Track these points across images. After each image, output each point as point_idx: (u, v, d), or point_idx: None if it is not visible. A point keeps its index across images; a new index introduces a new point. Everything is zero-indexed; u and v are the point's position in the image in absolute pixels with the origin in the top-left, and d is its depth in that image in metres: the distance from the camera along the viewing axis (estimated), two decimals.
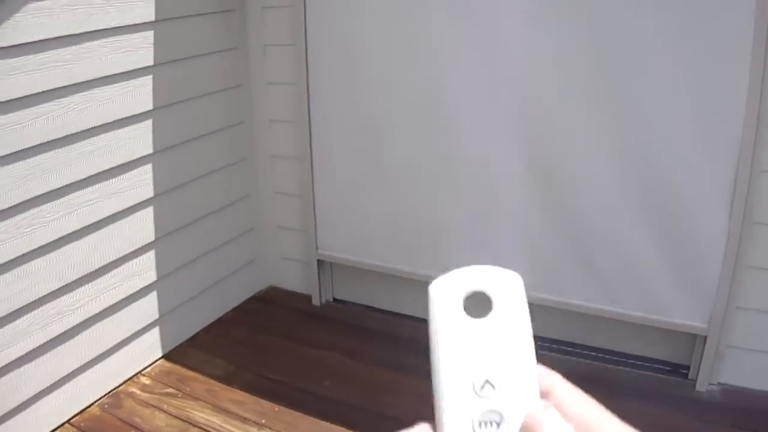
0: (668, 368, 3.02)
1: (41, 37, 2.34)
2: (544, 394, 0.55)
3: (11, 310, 2.42)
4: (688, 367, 2.97)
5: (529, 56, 2.75)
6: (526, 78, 2.79)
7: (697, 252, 2.72)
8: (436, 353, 0.55)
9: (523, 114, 2.84)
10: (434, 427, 0.54)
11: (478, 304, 0.56)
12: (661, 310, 2.83)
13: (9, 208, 2.36)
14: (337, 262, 3.50)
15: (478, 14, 2.79)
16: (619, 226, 2.81)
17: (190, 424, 2.72)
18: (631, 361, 3.06)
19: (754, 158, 2.52)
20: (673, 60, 2.53)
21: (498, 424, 0.52)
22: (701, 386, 2.85)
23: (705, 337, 2.80)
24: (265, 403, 2.81)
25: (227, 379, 2.95)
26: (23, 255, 2.42)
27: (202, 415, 2.75)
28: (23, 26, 2.28)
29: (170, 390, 2.89)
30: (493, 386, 0.53)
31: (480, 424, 0.52)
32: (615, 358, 3.09)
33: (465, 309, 0.55)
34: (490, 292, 0.56)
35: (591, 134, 2.75)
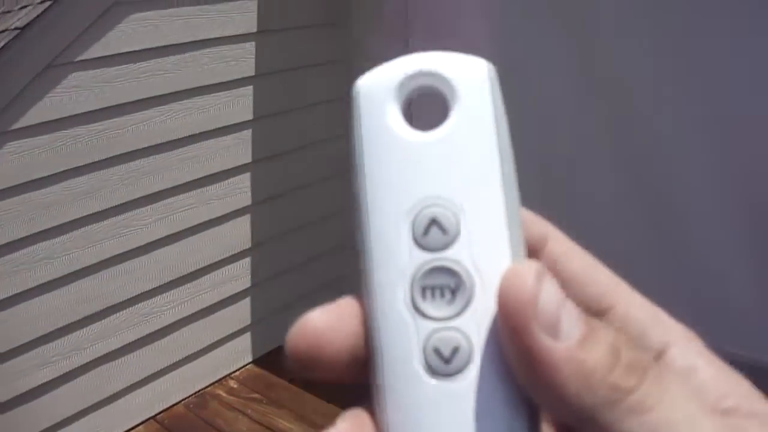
0: None
1: (144, 47, 2.44)
2: (532, 251, 0.33)
3: (107, 306, 2.53)
4: None
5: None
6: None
7: None
8: (359, 182, 0.35)
9: (628, 138, 2.71)
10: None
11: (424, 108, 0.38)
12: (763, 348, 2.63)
13: (108, 209, 2.47)
14: None
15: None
16: (724, 261, 2.63)
17: (272, 430, 2.75)
18: None
19: None
20: None
21: (453, 293, 0.30)
22: None
23: None
24: None
25: (313, 389, 2.97)
26: (120, 254, 2.53)
27: (284, 422, 2.78)
28: (127, 35, 2.38)
29: (256, 395, 2.94)
30: (443, 230, 0.31)
31: (424, 293, 0.31)
32: None
33: (406, 116, 0.34)
34: (444, 89, 0.33)
35: (702, 164, 2.59)
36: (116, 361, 2.61)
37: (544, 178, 2.76)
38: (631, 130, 2.66)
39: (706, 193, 2.58)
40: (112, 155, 2.44)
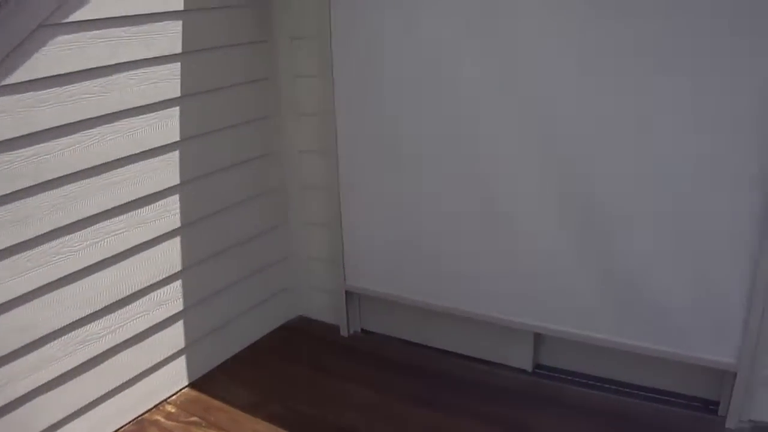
0: (697, 404, 2.94)
1: (70, 70, 2.41)
2: None
3: (39, 336, 2.46)
4: (717, 403, 2.89)
5: (563, 93, 2.75)
6: (559, 115, 2.78)
7: (727, 288, 2.67)
8: None
9: (555, 149, 2.82)
10: None
11: None
12: (691, 345, 2.77)
13: (38, 236, 2.41)
14: (364, 294, 3.50)
15: (510, 54, 2.80)
16: (648, 261, 2.77)
17: None
18: (660, 397, 3.00)
19: None
20: (705, 125, 2.54)
21: None
22: (731, 423, 2.78)
23: (735, 373, 2.73)
24: None
25: (252, 410, 2.96)
26: (51, 283, 2.47)
27: None
28: (52, 59, 2.34)
29: (194, 419, 2.90)
30: None
31: None
32: (643, 394, 3.03)
33: None
34: None
35: (625, 175, 2.72)
36: (52, 392, 2.54)
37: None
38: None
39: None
40: (41, 181, 2.38)
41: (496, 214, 3.00)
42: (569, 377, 3.18)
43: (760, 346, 2.66)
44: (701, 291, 2.70)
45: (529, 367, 3.25)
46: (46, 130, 2.37)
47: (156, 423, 2.88)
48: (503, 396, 3.09)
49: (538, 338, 3.22)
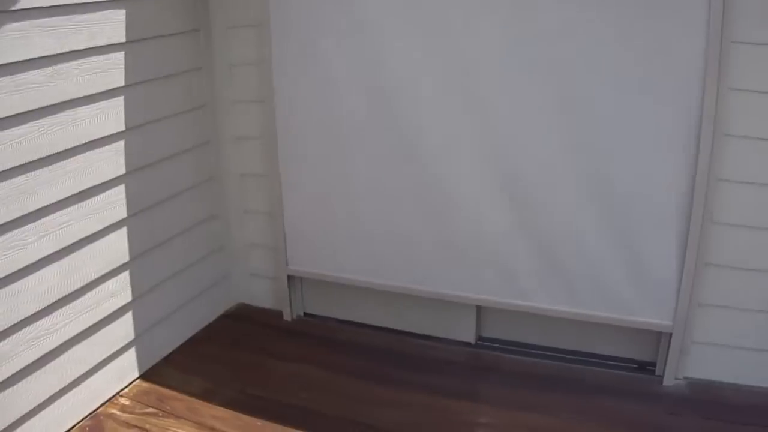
0: (635, 366, 3.13)
1: (17, 59, 2.34)
2: None
3: None
4: (654, 364, 3.08)
5: (495, 77, 2.88)
6: (490, 95, 2.90)
7: (659, 253, 2.85)
8: None
9: (486, 128, 2.94)
10: None
11: None
12: (627, 309, 2.95)
13: None
14: (307, 276, 3.54)
15: (445, 39, 2.89)
16: (581, 229, 2.92)
17: None
18: (599, 361, 3.17)
19: (711, 166, 2.68)
20: (633, 89, 2.70)
21: None
22: (668, 381, 2.97)
23: (670, 335, 2.92)
24: (247, 418, 2.82)
25: (206, 396, 2.96)
26: (3, 278, 2.41)
27: None
28: (1, 47, 2.28)
29: (150, 410, 2.88)
30: None
31: None
32: (582, 359, 3.20)
33: None
34: None
35: (553, 142, 2.86)
36: (5, 392, 2.46)
37: None
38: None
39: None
40: None
41: (432, 193, 3.10)
42: (511, 347, 3.32)
43: (692, 306, 2.86)
44: (634, 257, 2.87)
45: (472, 340, 3.37)
46: None
47: (112, 416, 2.84)
48: (448, 368, 3.21)
49: (480, 311, 3.34)
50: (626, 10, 2.61)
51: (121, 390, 3.00)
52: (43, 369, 2.61)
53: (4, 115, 2.34)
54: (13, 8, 2.30)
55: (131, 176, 2.93)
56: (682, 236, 2.79)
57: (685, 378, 2.98)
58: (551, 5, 2.71)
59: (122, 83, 2.82)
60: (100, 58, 2.70)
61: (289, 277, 3.55)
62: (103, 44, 2.69)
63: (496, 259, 3.09)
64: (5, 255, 2.41)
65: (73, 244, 2.68)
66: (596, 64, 2.71)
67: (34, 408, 2.58)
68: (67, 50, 2.54)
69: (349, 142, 3.19)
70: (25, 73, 2.39)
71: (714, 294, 2.87)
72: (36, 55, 2.41)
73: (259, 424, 2.79)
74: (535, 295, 3.07)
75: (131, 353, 3.05)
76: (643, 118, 2.71)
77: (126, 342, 3.01)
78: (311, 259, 3.47)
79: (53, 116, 2.52)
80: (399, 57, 2.98)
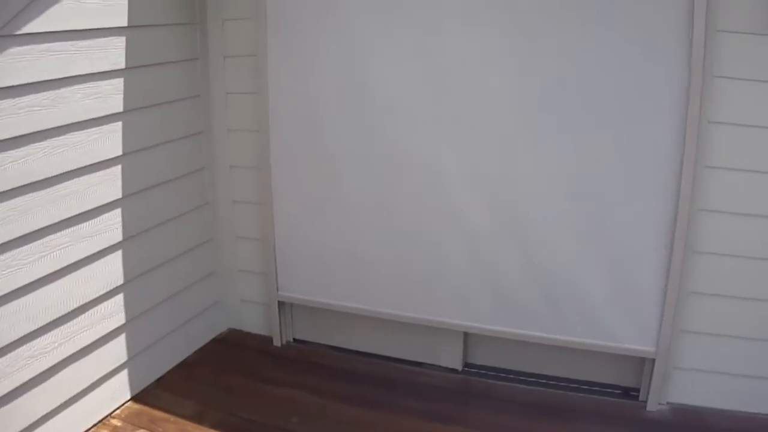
0: (619, 392, 3.19)
1: (21, 82, 2.41)
2: None
3: None
4: (638, 390, 3.14)
5: (483, 94, 2.96)
6: (481, 116, 2.99)
7: (643, 281, 2.92)
8: None
9: (477, 153, 3.02)
10: None
11: None
12: (612, 337, 3.01)
13: None
14: (297, 303, 3.59)
15: (435, 54, 2.98)
16: (568, 259, 2.99)
17: None
18: (584, 387, 3.23)
19: (693, 198, 2.77)
20: (612, 124, 2.81)
21: None
22: (651, 406, 3.03)
23: (653, 360, 2.98)
24: None
25: (197, 419, 2.99)
26: (2, 297, 2.45)
27: None
28: (3, 70, 2.35)
29: (142, 430, 2.91)
30: None
31: None
32: (568, 385, 3.25)
33: None
34: None
35: (542, 177, 2.96)
36: (2, 408, 2.50)
37: None
38: None
39: None
40: None
41: (422, 221, 3.18)
42: (498, 374, 3.37)
43: (675, 334, 2.93)
44: (619, 286, 2.95)
45: (459, 366, 3.42)
46: None
47: None
48: (435, 394, 3.25)
49: (467, 338, 3.40)
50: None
51: (113, 411, 3.02)
52: (38, 387, 2.64)
53: (7, 137, 2.40)
54: (16, 32, 2.37)
55: (128, 200, 2.98)
56: (665, 265, 2.86)
57: (669, 403, 3.04)
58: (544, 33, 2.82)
59: (121, 109, 2.89)
60: (101, 83, 2.77)
61: (279, 303, 3.59)
62: (104, 70, 2.77)
63: (485, 286, 3.15)
64: (4, 274, 2.45)
65: (70, 265, 2.73)
66: (583, 96, 2.81)
67: (28, 426, 2.61)
68: (69, 75, 2.61)
69: (342, 173, 3.26)
70: (28, 96, 2.46)
71: (697, 321, 2.94)
72: (38, 79, 2.48)
73: None
74: (523, 323, 3.13)
75: (124, 375, 3.08)
76: (627, 152, 2.81)
77: (119, 363, 3.04)
78: (301, 285, 3.52)
79: (54, 139, 2.58)
80: (394, 84, 3.07)
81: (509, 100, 2.91)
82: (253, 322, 3.76)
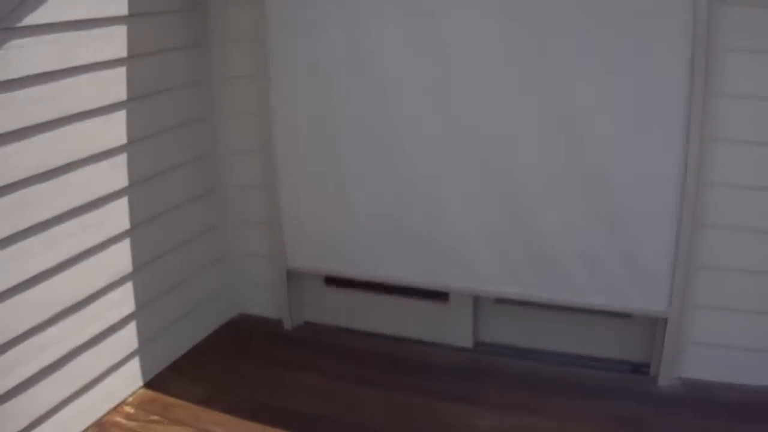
0: (629, 368, 3.19)
1: (24, 74, 2.41)
2: None
3: (2, 342, 2.45)
4: (648, 366, 3.14)
5: (485, 84, 2.95)
6: (481, 103, 2.98)
7: (652, 239, 2.90)
8: None
9: (477, 128, 3.02)
10: None
11: None
12: (623, 298, 3.00)
13: None
14: (306, 271, 3.59)
15: (440, 51, 2.98)
16: (577, 219, 2.97)
17: None
18: (594, 363, 3.23)
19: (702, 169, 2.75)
20: (618, 87, 2.78)
21: None
22: (663, 381, 3.03)
23: (664, 335, 2.98)
24: (250, 424, 2.87)
25: (209, 404, 3.01)
26: (10, 288, 2.46)
27: None
28: (6, 62, 2.35)
29: (155, 417, 2.93)
30: None
31: None
32: (578, 361, 3.25)
33: None
34: None
35: (548, 140, 2.93)
36: (15, 399, 2.51)
37: None
38: None
39: None
40: None
41: (428, 190, 3.16)
42: (509, 351, 3.38)
43: (685, 308, 2.92)
44: (629, 243, 2.92)
45: (469, 345, 3.43)
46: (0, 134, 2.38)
47: (117, 424, 2.89)
48: (446, 373, 3.27)
49: (477, 315, 3.41)
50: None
51: (126, 398, 3.05)
52: (50, 377, 2.66)
53: (10, 129, 2.40)
54: (17, 25, 2.37)
55: (133, 189, 2.99)
56: (677, 221, 2.84)
57: (679, 378, 3.04)
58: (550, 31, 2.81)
59: (124, 97, 2.88)
60: (103, 73, 2.77)
61: (289, 284, 3.60)
62: (105, 60, 2.77)
63: (493, 250, 3.14)
64: (12, 266, 2.47)
65: (78, 255, 2.74)
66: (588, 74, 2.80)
67: (41, 415, 2.64)
68: (71, 66, 2.61)
69: (346, 150, 3.26)
70: (30, 88, 2.45)
71: (708, 295, 2.93)
72: (40, 71, 2.48)
73: (261, 429, 2.85)
74: (532, 285, 3.11)
75: (135, 362, 3.10)
76: (636, 115, 2.78)
77: (130, 351, 3.07)
78: (310, 258, 3.52)
79: (57, 130, 2.58)
80: (393, 71, 3.06)
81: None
82: (263, 306, 3.77)
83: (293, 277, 3.63)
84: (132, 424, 2.90)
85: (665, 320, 2.97)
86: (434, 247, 3.23)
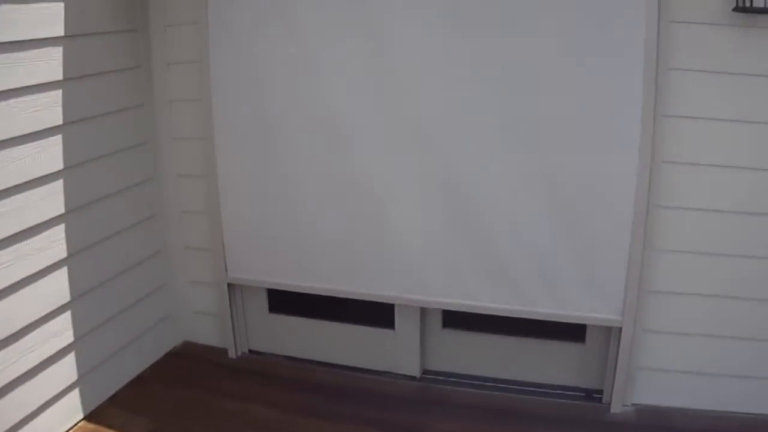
0: (582, 394, 3.18)
1: None
2: None
3: None
4: (601, 392, 3.13)
5: (428, 95, 2.93)
6: (426, 114, 2.95)
7: (605, 247, 2.88)
8: None
9: (422, 130, 2.98)
10: None
11: None
12: (576, 305, 2.97)
13: None
14: (249, 285, 3.53)
15: (382, 66, 2.95)
16: (527, 226, 2.94)
17: None
18: (545, 391, 3.21)
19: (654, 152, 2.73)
20: (572, 88, 2.76)
21: None
22: (616, 408, 3.01)
23: (616, 360, 2.97)
24: None
25: None
26: None
27: None
28: None
29: None
30: None
31: None
32: (529, 389, 3.23)
33: None
34: None
35: (493, 138, 2.90)
36: None
37: None
38: None
39: None
40: None
41: (371, 197, 3.12)
42: (458, 379, 3.35)
43: (637, 333, 2.92)
44: (583, 252, 2.90)
45: (417, 373, 3.39)
46: None
47: None
48: (394, 402, 3.22)
49: (424, 344, 3.38)
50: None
51: None
52: None
53: None
54: None
55: (72, 215, 2.90)
56: (626, 260, 2.84)
57: (633, 404, 3.03)
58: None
59: (61, 121, 2.80)
60: (39, 96, 2.68)
61: (233, 312, 3.54)
62: (41, 82, 2.68)
63: (439, 259, 3.10)
64: None
65: (14, 284, 2.64)
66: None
67: None
68: (5, 88, 2.52)
69: (289, 165, 3.21)
70: None
71: (660, 319, 2.94)
72: None
73: None
74: (481, 295, 3.07)
75: (75, 394, 2.99)
76: (590, 114, 2.76)
77: (70, 382, 2.96)
78: (254, 271, 3.45)
79: None
80: (340, 89, 3.03)
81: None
82: (208, 334, 3.69)
83: (238, 304, 3.57)
84: None
85: (617, 345, 2.96)
86: (379, 258, 3.19)
